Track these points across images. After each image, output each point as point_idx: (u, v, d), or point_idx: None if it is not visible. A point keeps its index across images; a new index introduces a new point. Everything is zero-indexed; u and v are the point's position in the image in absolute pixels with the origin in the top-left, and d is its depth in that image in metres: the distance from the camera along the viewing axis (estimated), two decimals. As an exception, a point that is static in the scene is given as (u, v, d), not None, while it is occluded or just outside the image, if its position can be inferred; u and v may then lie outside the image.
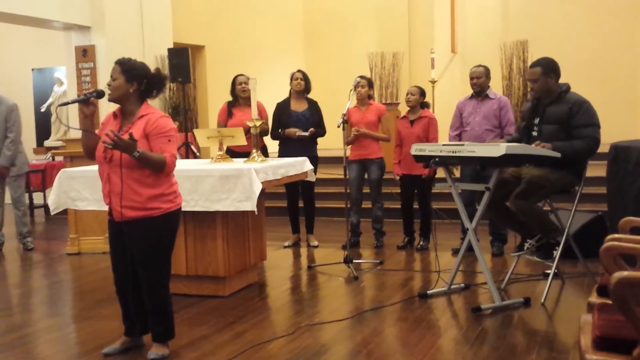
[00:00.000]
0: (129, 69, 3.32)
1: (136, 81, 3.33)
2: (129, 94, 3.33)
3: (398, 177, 6.04)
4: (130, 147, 3.16)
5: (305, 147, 6.00)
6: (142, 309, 3.50)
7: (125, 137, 3.17)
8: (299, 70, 6.26)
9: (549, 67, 4.31)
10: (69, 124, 8.53)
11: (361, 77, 5.96)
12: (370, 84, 6.11)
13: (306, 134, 5.98)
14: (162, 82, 3.47)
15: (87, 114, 3.34)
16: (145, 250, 3.36)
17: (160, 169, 3.28)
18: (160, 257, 3.41)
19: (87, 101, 3.34)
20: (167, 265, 3.46)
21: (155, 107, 3.44)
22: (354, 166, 6.05)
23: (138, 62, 3.40)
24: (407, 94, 5.99)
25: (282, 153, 6.07)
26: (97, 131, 3.48)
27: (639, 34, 10.10)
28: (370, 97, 6.12)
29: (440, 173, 5.06)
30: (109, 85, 3.34)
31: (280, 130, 6.09)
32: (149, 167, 3.27)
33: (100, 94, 3.37)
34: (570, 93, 4.33)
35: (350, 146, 5.96)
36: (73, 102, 3.41)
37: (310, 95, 6.29)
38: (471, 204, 5.24)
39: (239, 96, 6.07)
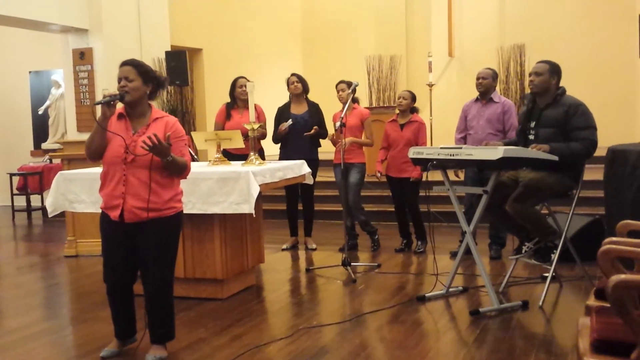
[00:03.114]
0: (145, 71, 3.36)
1: (151, 83, 3.39)
2: (145, 95, 3.38)
3: (379, 174, 5.99)
4: (166, 151, 3.21)
5: (306, 150, 5.98)
6: (133, 312, 3.57)
7: (145, 139, 3.16)
8: (293, 74, 6.21)
9: (555, 69, 4.35)
10: (66, 128, 8.53)
11: (341, 81, 5.94)
12: (349, 85, 5.78)
13: (289, 122, 5.93)
14: (164, 84, 3.53)
15: (108, 115, 3.32)
16: (161, 250, 3.36)
17: (181, 173, 3.38)
18: (171, 257, 3.45)
19: (113, 103, 3.32)
20: (174, 265, 3.51)
21: (163, 111, 3.47)
22: (337, 170, 5.97)
23: (147, 64, 3.45)
24: (399, 98, 5.96)
25: (283, 156, 6.05)
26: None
27: (635, 37, 10.12)
28: (355, 100, 6.02)
29: (435, 176, 5.04)
30: (123, 87, 3.31)
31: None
32: (173, 171, 3.33)
33: (123, 97, 3.33)
34: (566, 96, 4.35)
35: (335, 150, 5.88)
36: (104, 102, 3.33)
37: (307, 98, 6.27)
38: (473, 206, 5.24)
39: (239, 98, 6.02)
